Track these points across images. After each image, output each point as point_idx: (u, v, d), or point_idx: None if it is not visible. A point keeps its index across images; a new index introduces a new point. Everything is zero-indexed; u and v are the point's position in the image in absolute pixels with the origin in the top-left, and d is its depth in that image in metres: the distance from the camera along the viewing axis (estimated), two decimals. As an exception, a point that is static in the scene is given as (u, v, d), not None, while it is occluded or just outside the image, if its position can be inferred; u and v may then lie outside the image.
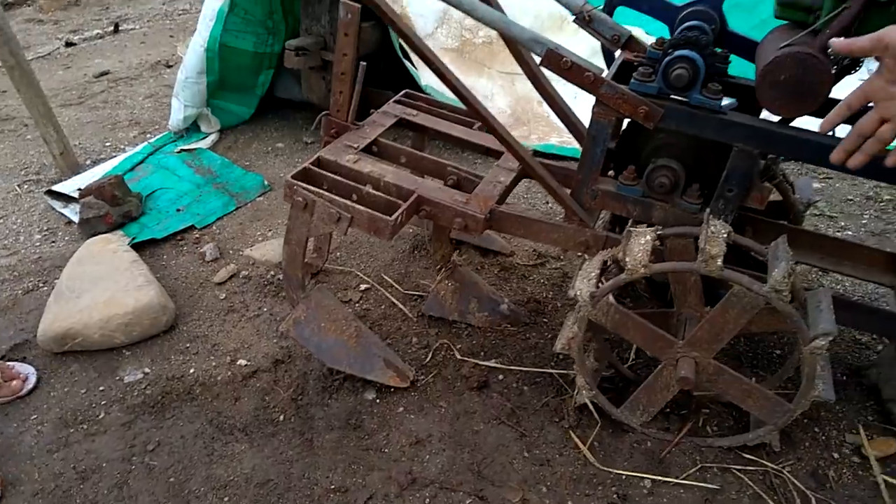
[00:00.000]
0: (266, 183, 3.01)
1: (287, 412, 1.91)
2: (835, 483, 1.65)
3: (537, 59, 1.57)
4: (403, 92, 2.27)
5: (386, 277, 2.39)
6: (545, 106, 2.46)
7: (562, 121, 1.95)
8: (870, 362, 1.96)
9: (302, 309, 1.86)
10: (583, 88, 1.56)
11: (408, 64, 3.10)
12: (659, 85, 1.53)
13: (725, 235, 1.53)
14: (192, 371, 2.06)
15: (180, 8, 6.37)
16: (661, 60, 1.53)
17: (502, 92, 3.49)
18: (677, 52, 1.49)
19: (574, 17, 1.77)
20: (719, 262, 1.46)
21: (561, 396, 1.91)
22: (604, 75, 1.61)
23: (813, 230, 1.97)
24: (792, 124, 1.57)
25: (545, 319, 2.21)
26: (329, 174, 1.78)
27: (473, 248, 2.53)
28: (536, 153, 3.18)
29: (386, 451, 1.78)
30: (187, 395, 1.98)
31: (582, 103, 2.42)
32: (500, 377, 1.99)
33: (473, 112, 1.64)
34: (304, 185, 1.71)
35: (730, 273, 1.46)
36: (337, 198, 1.69)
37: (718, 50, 1.70)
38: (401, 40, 3.08)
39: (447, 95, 3.11)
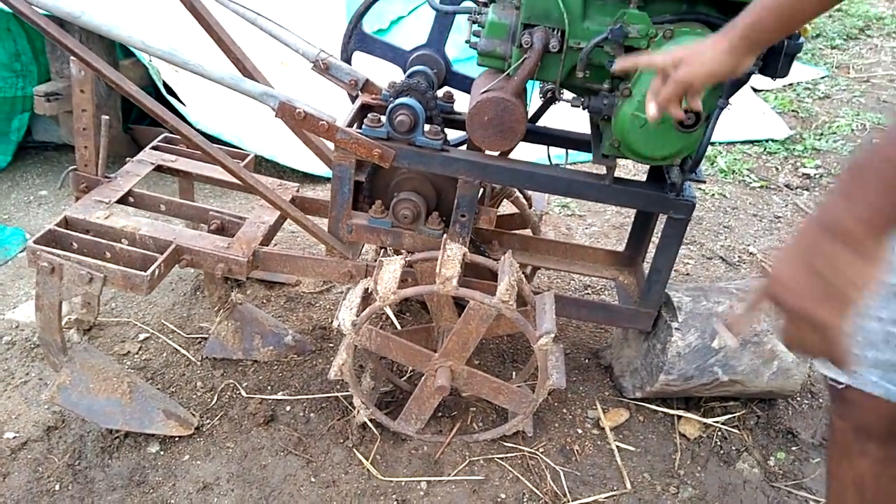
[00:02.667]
0: (28, 236, 2.82)
1: (64, 480, 1.84)
2: (579, 455, 1.93)
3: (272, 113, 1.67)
4: (161, 136, 2.25)
5: (167, 323, 2.36)
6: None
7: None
8: (605, 345, 2.29)
9: (66, 373, 1.81)
10: (320, 136, 1.69)
11: (173, 100, 3.05)
12: (387, 129, 1.69)
13: (461, 257, 1.73)
14: (-52, 456, 1.90)
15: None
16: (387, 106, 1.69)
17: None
18: (398, 101, 1.66)
19: (312, 65, 1.89)
20: (454, 282, 1.65)
21: (346, 417, 2.02)
22: (343, 120, 1.75)
23: (548, 238, 2.25)
24: (510, 156, 1.82)
25: (331, 345, 2.32)
26: (77, 234, 1.74)
27: (258, 283, 2.57)
28: (318, 178, 3.29)
29: (172, 501, 1.78)
30: (-56, 484, 1.83)
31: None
32: (288, 408, 2.06)
33: (219, 164, 1.70)
34: (49, 249, 1.66)
35: (464, 290, 1.66)
36: (86, 258, 1.66)
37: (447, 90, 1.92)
38: (164, 78, 3.05)
39: (218, 135, 3.11)
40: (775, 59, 1.54)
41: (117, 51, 3.20)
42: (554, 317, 1.74)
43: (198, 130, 3.06)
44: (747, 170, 3.57)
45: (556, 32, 1.57)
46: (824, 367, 1.26)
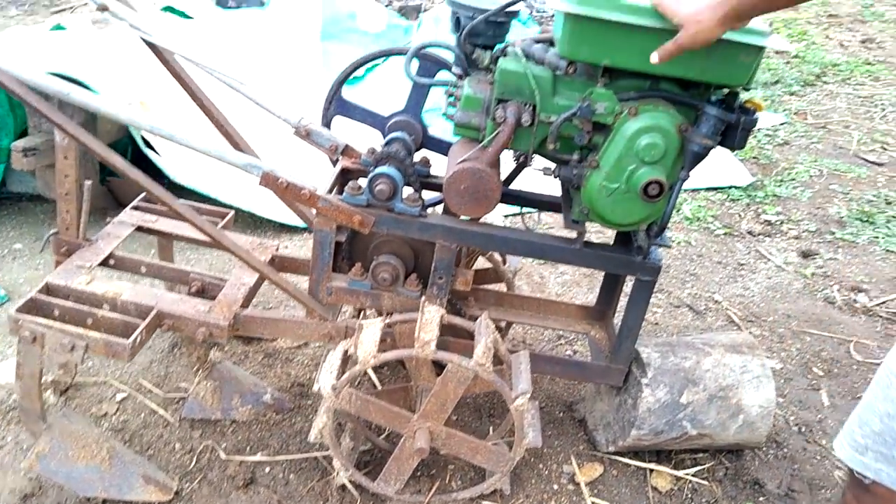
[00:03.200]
0: (2, 293, 2.80)
1: (39, 550, 1.82)
2: (547, 512, 1.96)
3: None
4: (141, 196, 2.28)
5: (144, 382, 2.35)
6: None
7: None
8: (579, 397, 2.35)
9: (45, 441, 1.80)
10: (302, 204, 1.74)
11: (151, 153, 3.08)
12: (367, 196, 1.75)
13: (439, 320, 1.78)
14: (-82, 526, 1.87)
15: None
16: (368, 174, 1.76)
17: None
18: (378, 170, 1.73)
19: (294, 130, 1.95)
20: (432, 345, 1.70)
21: (325, 478, 2.04)
22: (324, 186, 1.80)
23: (522, 294, 2.32)
24: (482, 220, 1.88)
25: (309, 402, 2.33)
26: (59, 301, 1.76)
27: (236, 338, 2.58)
28: (295, 229, 3.33)
29: (150, 570, 1.78)
30: (-86, 556, 1.80)
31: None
32: (267, 469, 2.07)
33: (196, 227, 1.74)
34: (31, 317, 1.67)
35: (442, 354, 1.71)
36: (68, 326, 1.68)
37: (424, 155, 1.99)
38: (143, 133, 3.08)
39: (194, 188, 3.14)
40: (733, 134, 1.65)
41: (95, 104, 3.23)
42: (529, 376, 1.79)
43: (173, 183, 3.10)
44: (712, 217, 3.70)
45: (527, 107, 1.66)
46: (851, 460, 1.34)
